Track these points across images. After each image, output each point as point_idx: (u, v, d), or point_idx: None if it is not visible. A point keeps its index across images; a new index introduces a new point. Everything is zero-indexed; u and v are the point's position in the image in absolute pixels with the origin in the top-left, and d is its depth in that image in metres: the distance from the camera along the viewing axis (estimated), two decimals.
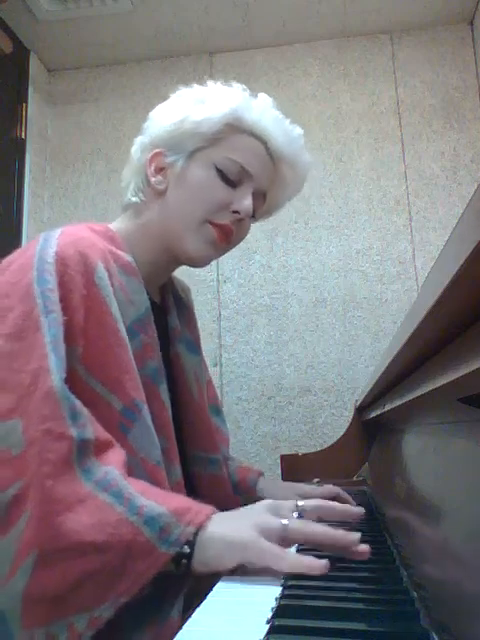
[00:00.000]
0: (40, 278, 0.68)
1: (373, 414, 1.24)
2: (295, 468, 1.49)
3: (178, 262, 0.92)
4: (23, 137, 2.43)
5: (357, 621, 0.45)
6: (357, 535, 0.59)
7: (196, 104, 0.87)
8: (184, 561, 0.56)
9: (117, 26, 2.37)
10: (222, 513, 0.62)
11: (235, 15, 2.36)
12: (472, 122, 2.37)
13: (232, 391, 2.32)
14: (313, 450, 1.63)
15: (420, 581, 0.52)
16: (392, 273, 2.32)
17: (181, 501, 0.61)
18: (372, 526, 0.87)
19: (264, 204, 0.94)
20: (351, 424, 1.57)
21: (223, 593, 0.55)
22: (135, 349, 0.76)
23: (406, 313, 0.64)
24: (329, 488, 1.01)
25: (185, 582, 0.59)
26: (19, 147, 2.41)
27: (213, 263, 2.34)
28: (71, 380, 0.66)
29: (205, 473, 0.93)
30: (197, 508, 0.60)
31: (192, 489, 0.90)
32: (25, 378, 0.62)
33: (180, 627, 0.45)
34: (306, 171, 0.97)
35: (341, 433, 1.57)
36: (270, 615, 0.46)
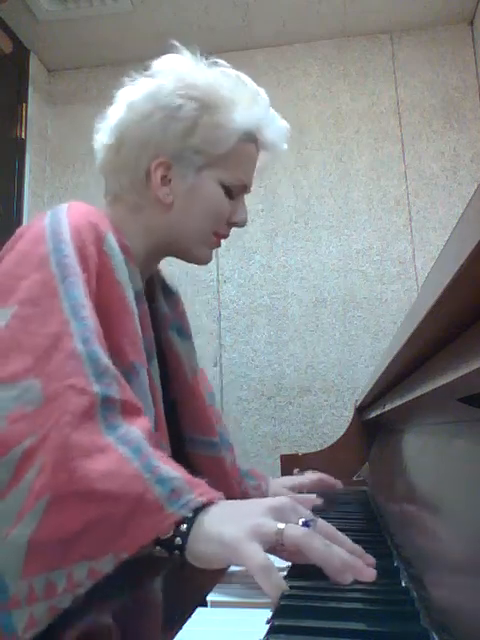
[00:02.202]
0: (56, 249, 0.69)
1: (373, 414, 1.24)
2: (295, 468, 1.49)
3: (172, 256, 0.95)
4: (23, 137, 2.43)
5: (357, 621, 0.45)
6: (361, 564, 0.53)
7: (206, 112, 0.83)
8: (177, 551, 0.54)
9: (117, 26, 2.37)
10: (228, 502, 0.59)
11: (235, 15, 2.36)
12: (472, 122, 2.37)
13: (232, 391, 2.32)
14: (313, 450, 1.64)
15: (420, 581, 0.52)
16: (392, 273, 2.32)
17: (197, 479, 0.60)
18: (372, 526, 0.87)
19: None
20: (351, 424, 1.57)
21: (223, 593, 0.55)
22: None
23: (406, 313, 0.64)
24: (313, 476, 1.03)
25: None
26: (19, 147, 2.41)
27: (213, 263, 2.36)
28: None
29: (204, 455, 0.94)
30: (210, 488, 0.59)
31: (192, 472, 0.91)
32: (42, 341, 0.62)
33: (180, 627, 0.45)
34: (276, 158, 0.98)
35: (341, 433, 1.57)
36: (270, 615, 0.46)
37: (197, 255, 0.92)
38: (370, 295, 2.32)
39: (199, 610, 0.50)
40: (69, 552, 0.53)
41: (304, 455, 1.56)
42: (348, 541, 0.57)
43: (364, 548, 0.71)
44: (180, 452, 0.90)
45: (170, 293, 1.02)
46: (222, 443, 0.98)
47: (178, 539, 0.54)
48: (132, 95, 0.86)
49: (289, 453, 1.62)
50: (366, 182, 2.40)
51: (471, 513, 0.44)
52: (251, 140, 0.89)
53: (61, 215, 0.75)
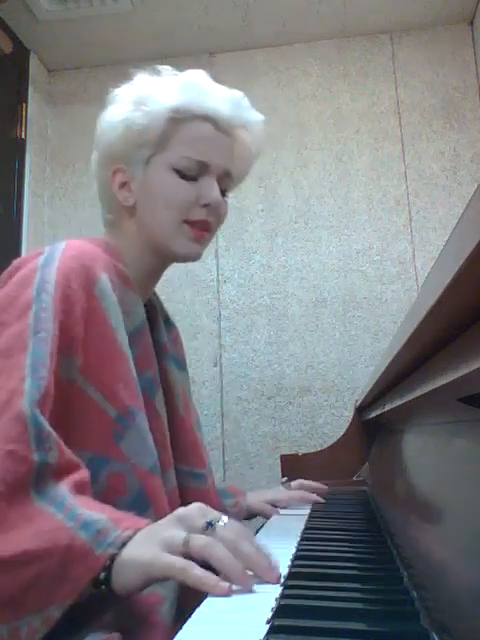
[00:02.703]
0: (38, 298, 0.70)
1: (373, 414, 1.24)
2: (295, 468, 1.49)
3: (169, 261, 0.94)
4: (23, 137, 2.43)
5: (357, 621, 0.45)
6: (251, 578, 0.55)
7: (135, 109, 0.85)
8: (103, 587, 0.55)
9: (117, 26, 2.37)
10: (145, 529, 0.60)
11: (235, 15, 2.36)
12: (472, 122, 2.37)
13: (232, 391, 2.32)
14: (313, 450, 1.64)
15: (420, 581, 0.52)
16: (392, 273, 2.32)
17: (122, 513, 0.61)
18: (372, 526, 0.87)
19: (232, 179, 0.94)
20: (351, 424, 1.57)
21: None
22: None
23: (406, 313, 0.64)
24: (297, 491, 1.03)
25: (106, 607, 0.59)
26: (19, 147, 2.41)
27: (213, 263, 2.36)
28: (69, 390, 0.68)
29: (190, 487, 0.92)
30: (136, 519, 0.61)
31: (181, 504, 0.91)
32: (3, 396, 0.64)
33: (180, 628, 0.45)
34: (261, 127, 0.95)
35: (341, 433, 1.57)
36: (270, 615, 0.46)
37: (179, 250, 0.88)
38: (370, 295, 2.32)
39: (199, 610, 0.50)
40: (17, 609, 0.55)
41: (304, 455, 1.56)
42: (253, 540, 0.59)
43: (364, 548, 0.71)
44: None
45: (170, 325, 1.02)
46: (208, 472, 0.97)
47: (102, 574, 0.55)
48: (96, 132, 0.92)
49: (289, 453, 1.62)
50: (366, 182, 2.40)
51: (471, 513, 0.44)
52: (192, 117, 0.86)
53: (55, 256, 0.75)
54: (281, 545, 0.72)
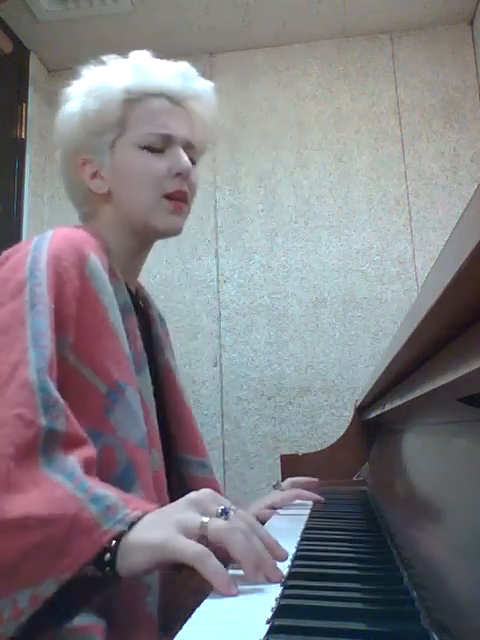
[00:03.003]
0: (31, 275, 0.71)
1: (373, 414, 1.24)
2: (295, 468, 1.49)
3: (151, 240, 0.95)
4: (23, 137, 2.43)
5: (357, 621, 0.45)
6: (273, 563, 0.56)
7: (87, 99, 0.87)
8: (108, 568, 0.54)
9: (117, 26, 2.37)
10: (156, 511, 0.59)
11: (235, 15, 2.36)
12: (472, 122, 2.37)
13: (232, 391, 2.32)
14: (313, 450, 1.64)
15: (420, 581, 0.52)
16: (392, 273, 2.32)
17: (130, 495, 0.61)
18: (372, 526, 0.87)
19: (195, 150, 0.95)
20: (351, 424, 1.57)
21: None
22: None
23: (406, 313, 0.64)
24: (291, 491, 1.04)
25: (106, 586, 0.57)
26: (19, 147, 2.41)
27: (213, 263, 2.36)
28: (61, 368, 0.68)
29: (198, 476, 0.93)
30: (144, 502, 0.61)
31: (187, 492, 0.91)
32: (5, 370, 0.64)
33: (180, 628, 0.45)
34: (211, 94, 0.97)
35: (341, 433, 1.57)
36: (270, 615, 0.46)
37: (160, 225, 0.89)
38: (370, 295, 2.32)
39: (199, 610, 0.50)
40: (11, 580, 0.53)
41: (304, 455, 1.56)
42: (265, 532, 0.59)
43: (364, 548, 0.71)
44: (175, 473, 0.90)
45: (163, 321, 1.04)
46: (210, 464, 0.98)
47: (108, 555, 0.54)
48: (55, 129, 0.94)
49: (289, 453, 1.62)
50: (366, 182, 2.40)
51: (471, 513, 0.44)
52: (145, 95, 0.89)
53: (45, 242, 0.76)
54: (281, 545, 0.72)
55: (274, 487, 1.22)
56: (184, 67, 0.95)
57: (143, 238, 0.92)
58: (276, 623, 0.44)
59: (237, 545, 0.53)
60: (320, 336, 2.31)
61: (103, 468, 0.69)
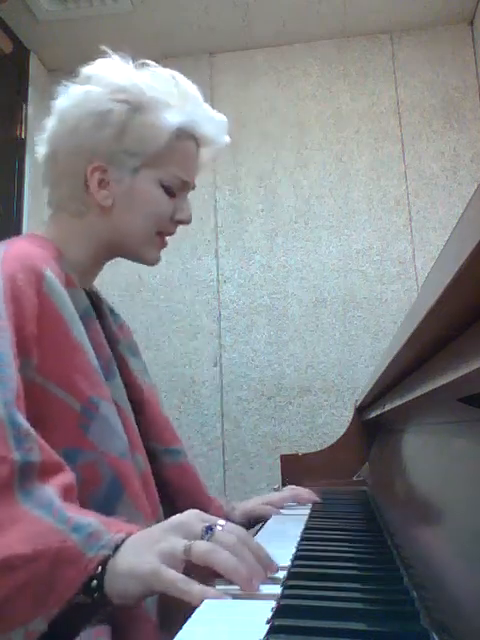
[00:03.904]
0: None
1: (373, 414, 1.24)
2: (295, 468, 1.49)
3: (120, 257, 0.95)
4: (23, 137, 2.43)
5: (357, 621, 0.45)
6: (261, 574, 0.56)
7: (135, 111, 0.84)
8: (96, 593, 0.55)
9: (117, 26, 2.37)
10: (139, 533, 0.59)
11: (235, 15, 2.36)
12: (472, 122, 2.37)
13: (232, 391, 2.32)
14: (313, 450, 1.63)
15: (420, 581, 0.52)
16: (392, 273, 2.32)
17: (111, 519, 0.61)
18: (372, 526, 0.87)
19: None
20: (351, 424, 1.57)
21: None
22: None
23: (406, 313, 0.64)
24: (289, 493, 1.03)
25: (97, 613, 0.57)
26: (19, 147, 2.41)
27: (213, 263, 2.36)
28: (30, 392, 0.67)
29: (171, 463, 0.93)
30: (124, 524, 0.61)
31: (163, 484, 0.91)
32: None
33: (180, 628, 0.45)
34: (221, 149, 0.97)
35: (341, 433, 1.57)
36: (270, 615, 0.46)
37: (144, 256, 0.91)
38: (370, 295, 2.32)
39: (199, 610, 0.50)
40: (2, 621, 0.53)
41: (304, 455, 1.56)
42: (255, 544, 0.59)
43: (364, 548, 0.71)
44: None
45: (116, 315, 1.01)
46: (187, 452, 0.98)
47: (94, 582, 0.54)
48: (62, 104, 0.90)
49: (289, 453, 1.62)
50: (366, 182, 2.40)
51: (471, 513, 0.44)
52: (187, 137, 0.89)
53: None
54: (281, 545, 0.72)
55: (275, 490, 1.22)
56: (223, 119, 0.95)
57: (115, 255, 0.92)
58: (276, 623, 0.44)
59: (222, 564, 0.54)
60: (320, 336, 2.31)
61: (87, 485, 0.69)
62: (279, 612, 0.47)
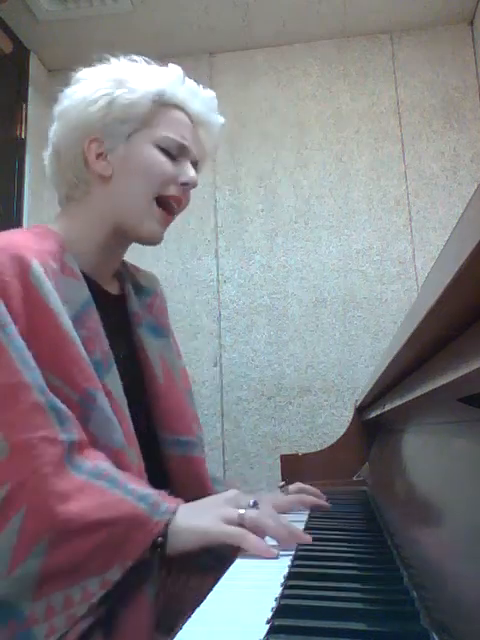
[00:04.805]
0: None
1: (373, 414, 1.24)
2: (295, 468, 1.49)
3: (126, 243, 0.95)
4: (23, 137, 2.43)
5: (357, 621, 0.45)
6: (295, 536, 0.73)
7: (119, 86, 0.88)
8: (158, 549, 0.67)
9: (117, 26, 2.37)
10: (189, 503, 0.74)
11: (235, 15, 2.36)
12: (472, 122, 2.37)
13: (232, 391, 2.32)
14: (313, 450, 1.63)
15: (420, 581, 0.52)
16: (392, 273, 2.32)
17: (160, 491, 0.72)
18: (372, 526, 0.87)
19: (196, 172, 0.96)
20: (351, 424, 1.57)
21: (223, 593, 0.55)
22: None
23: (406, 313, 0.64)
24: (295, 495, 1.07)
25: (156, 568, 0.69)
26: (19, 147, 2.41)
27: (213, 263, 2.36)
28: None
29: (177, 455, 0.92)
30: (171, 497, 0.73)
31: (165, 473, 0.91)
32: (1, 392, 0.67)
33: (180, 628, 0.45)
34: (219, 129, 1.00)
35: (341, 433, 1.57)
36: (270, 615, 0.46)
37: (146, 230, 0.90)
38: (370, 295, 2.32)
39: (199, 610, 0.50)
40: (81, 570, 0.63)
41: (304, 455, 1.56)
42: (286, 521, 0.75)
43: (364, 548, 0.71)
44: (154, 455, 0.89)
45: (144, 291, 1.01)
46: (199, 444, 0.97)
47: (160, 539, 0.67)
48: (59, 107, 0.94)
49: (289, 453, 1.62)
50: (366, 182, 2.40)
51: (471, 513, 0.44)
52: (171, 105, 0.91)
53: None
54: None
55: (280, 488, 1.21)
56: (210, 94, 0.98)
57: (119, 237, 0.92)
58: (276, 623, 0.44)
59: (271, 527, 0.71)
60: (320, 336, 2.31)
61: None
62: (279, 612, 0.47)
